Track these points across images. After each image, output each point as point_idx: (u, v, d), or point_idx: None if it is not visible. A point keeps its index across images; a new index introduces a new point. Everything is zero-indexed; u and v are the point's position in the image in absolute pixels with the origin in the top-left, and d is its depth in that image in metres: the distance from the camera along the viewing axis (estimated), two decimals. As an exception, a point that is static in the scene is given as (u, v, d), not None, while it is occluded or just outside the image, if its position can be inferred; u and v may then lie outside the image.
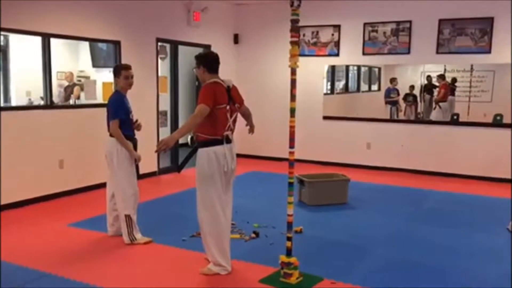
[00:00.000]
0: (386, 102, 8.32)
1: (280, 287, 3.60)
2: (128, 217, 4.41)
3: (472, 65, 7.58)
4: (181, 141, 4.01)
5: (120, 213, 4.46)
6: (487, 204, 6.21)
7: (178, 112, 8.35)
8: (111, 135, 4.43)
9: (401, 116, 8.25)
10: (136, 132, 4.62)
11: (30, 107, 6.96)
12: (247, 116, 4.17)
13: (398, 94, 8.21)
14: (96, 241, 4.60)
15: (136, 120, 4.68)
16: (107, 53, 7.84)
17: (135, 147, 4.51)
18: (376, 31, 8.18)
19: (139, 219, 4.58)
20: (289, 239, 3.74)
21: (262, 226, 5.00)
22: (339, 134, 8.66)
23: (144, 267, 3.98)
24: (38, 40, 5.94)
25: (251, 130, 4.27)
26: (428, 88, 7.99)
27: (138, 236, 4.45)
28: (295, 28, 3.59)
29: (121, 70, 4.50)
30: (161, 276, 3.81)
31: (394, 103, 8.25)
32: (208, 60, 3.83)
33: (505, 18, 7.21)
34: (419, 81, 8.03)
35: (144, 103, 7.15)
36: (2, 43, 7.75)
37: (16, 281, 3.66)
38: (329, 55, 8.61)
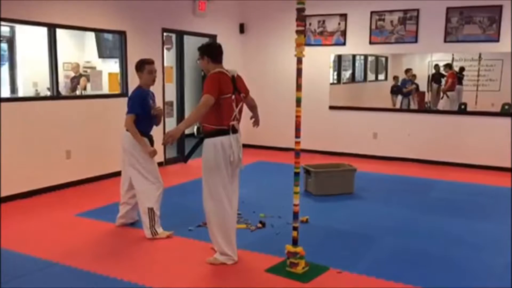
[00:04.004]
0: (401, 93, 8.20)
1: (286, 276, 3.61)
2: (151, 210, 4.36)
3: (480, 54, 7.50)
4: (187, 131, 3.99)
5: (142, 206, 4.40)
6: (494, 194, 6.18)
7: (184, 103, 8.36)
8: (127, 130, 4.43)
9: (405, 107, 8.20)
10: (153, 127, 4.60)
11: (37, 98, 7.01)
12: (252, 107, 4.15)
13: (413, 85, 8.10)
14: (103, 231, 4.63)
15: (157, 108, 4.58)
16: (113, 43, 7.84)
17: (151, 144, 4.48)
18: (383, 20, 8.10)
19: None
20: (295, 229, 3.75)
21: (268, 216, 5.01)
22: (345, 124, 8.63)
23: (151, 256, 4.01)
24: (44, 30, 5.95)
25: (256, 123, 4.23)
26: (435, 77, 7.93)
27: (160, 230, 4.42)
28: (301, 17, 3.56)
29: (145, 65, 4.43)
30: (168, 265, 3.83)
31: (407, 95, 8.17)
32: (211, 50, 3.81)
33: (514, 6, 7.13)
34: (427, 70, 7.95)
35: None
36: (8, 34, 7.78)
37: (23, 270, 3.70)
38: (336, 44, 8.56)
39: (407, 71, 8.11)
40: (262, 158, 8.37)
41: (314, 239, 4.41)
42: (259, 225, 4.73)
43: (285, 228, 4.53)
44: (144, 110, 4.38)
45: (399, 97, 8.25)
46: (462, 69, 7.69)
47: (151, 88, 4.56)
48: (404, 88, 8.17)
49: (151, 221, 4.37)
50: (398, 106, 8.26)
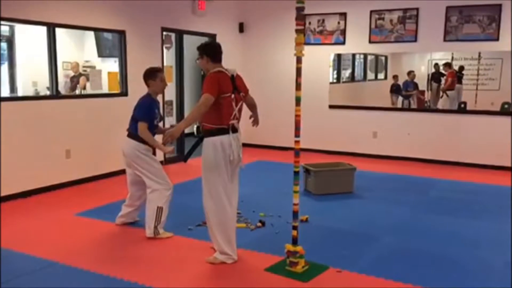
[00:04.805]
0: (401, 95, 8.20)
1: (286, 275, 3.61)
2: (160, 210, 4.36)
3: (479, 53, 7.51)
4: (187, 130, 4.01)
5: (152, 204, 4.38)
6: (494, 193, 6.18)
7: (183, 102, 8.36)
8: (128, 136, 4.42)
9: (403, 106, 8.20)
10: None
11: (36, 97, 7.00)
12: (252, 107, 4.14)
13: (415, 88, 8.07)
14: (103, 230, 4.63)
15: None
16: (113, 42, 7.84)
17: (153, 153, 4.50)
18: (383, 19, 8.10)
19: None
20: (295, 228, 3.75)
21: (268, 215, 5.02)
22: (345, 123, 8.63)
23: (151, 255, 4.01)
24: (43, 30, 5.94)
25: (256, 122, 4.22)
26: (435, 76, 7.93)
27: (161, 231, 4.42)
28: (300, 16, 3.56)
29: (157, 73, 4.45)
30: (168, 264, 3.83)
31: (407, 97, 8.16)
32: (211, 50, 3.81)
33: (513, 4, 7.12)
34: (427, 69, 7.95)
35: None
36: (8, 33, 7.77)
37: (23, 270, 3.70)
38: (335, 43, 8.56)
39: (409, 73, 8.10)
40: (261, 157, 8.37)
41: (314, 238, 4.41)
42: (259, 224, 4.73)
43: (284, 227, 4.53)
44: (149, 118, 4.39)
45: (400, 98, 8.24)
46: (461, 68, 7.69)
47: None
48: (405, 91, 8.15)
49: (157, 221, 4.37)
50: (399, 106, 8.25)
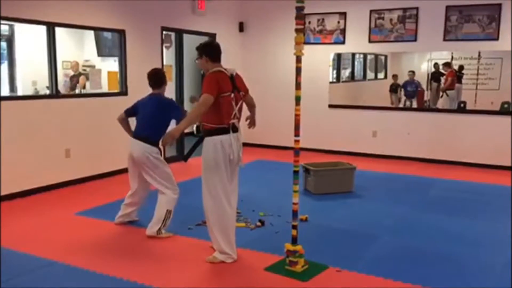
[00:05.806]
0: (405, 95, 8.20)
1: (285, 275, 3.61)
2: (169, 213, 4.38)
3: (479, 52, 7.50)
4: (186, 130, 4.01)
5: (161, 206, 4.40)
6: (493, 192, 6.18)
7: (183, 101, 8.35)
8: (140, 139, 4.41)
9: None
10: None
11: (36, 96, 7.00)
12: (251, 106, 4.14)
13: (418, 88, 8.07)
14: (103, 229, 4.63)
15: None
16: (112, 42, 7.83)
17: (161, 154, 4.54)
18: (383, 18, 8.10)
19: (148, 207, 4.61)
20: (294, 227, 3.75)
21: (268, 215, 5.02)
22: (344, 122, 8.63)
23: (151, 255, 4.01)
24: (43, 29, 5.94)
25: (252, 123, 4.21)
26: (435, 76, 7.93)
27: (164, 231, 4.43)
28: (300, 16, 3.56)
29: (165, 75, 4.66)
30: (167, 264, 3.84)
31: (410, 97, 8.15)
32: (210, 49, 3.81)
33: (513, 4, 7.12)
34: (426, 68, 7.95)
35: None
36: (7, 33, 7.77)
37: (23, 269, 3.70)
38: (335, 43, 8.56)
39: (410, 73, 8.07)
40: (261, 156, 8.37)
41: (314, 237, 4.41)
42: (259, 223, 4.74)
43: (284, 227, 4.53)
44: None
45: (403, 99, 8.21)
46: (461, 67, 7.69)
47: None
48: (406, 90, 8.13)
49: (163, 224, 4.38)
50: (401, 105, 8.24)
